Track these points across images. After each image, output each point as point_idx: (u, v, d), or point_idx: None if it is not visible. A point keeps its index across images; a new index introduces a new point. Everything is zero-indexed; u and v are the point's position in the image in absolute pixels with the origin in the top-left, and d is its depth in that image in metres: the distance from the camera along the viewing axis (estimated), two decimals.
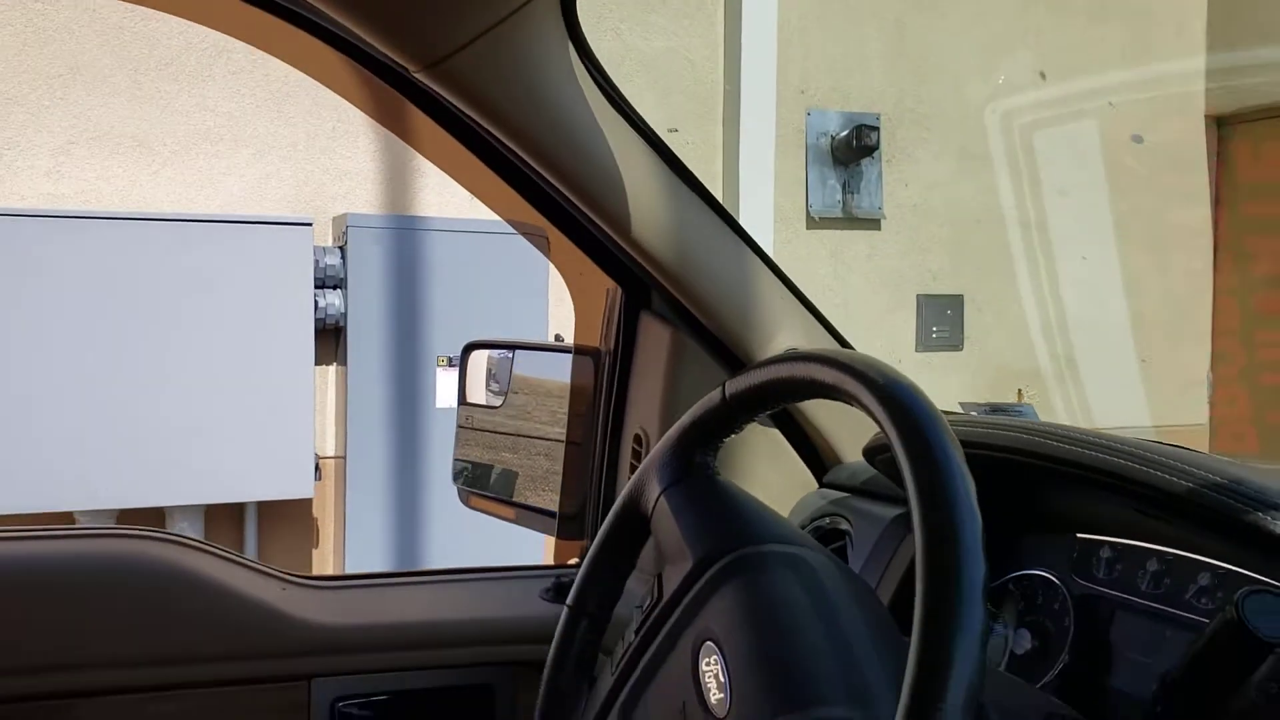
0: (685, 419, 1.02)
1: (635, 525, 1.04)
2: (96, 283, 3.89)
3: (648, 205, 1.21)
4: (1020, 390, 5.57)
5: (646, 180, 1.21)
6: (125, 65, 4.19)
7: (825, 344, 1.34)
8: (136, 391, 3.95)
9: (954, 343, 5.41)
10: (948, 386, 5.39)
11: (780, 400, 0.95)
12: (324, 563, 4.65)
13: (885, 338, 5.26)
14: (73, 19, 4.15)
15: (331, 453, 4.58)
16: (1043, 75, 5.20)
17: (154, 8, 1.23)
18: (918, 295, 5.33)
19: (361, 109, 1.39)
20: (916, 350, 5.34)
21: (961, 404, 4.67)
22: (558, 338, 5.01)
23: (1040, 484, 1.12)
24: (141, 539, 1.32)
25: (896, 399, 0.81)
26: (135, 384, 3.96)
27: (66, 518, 4.06)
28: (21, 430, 3.75)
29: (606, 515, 1.50)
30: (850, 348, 1.35)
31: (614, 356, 1.45)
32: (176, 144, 4.27)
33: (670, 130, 4.86)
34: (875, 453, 1.22)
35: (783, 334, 1.31)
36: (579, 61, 1.13)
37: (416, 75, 1.06)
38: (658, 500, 1.01)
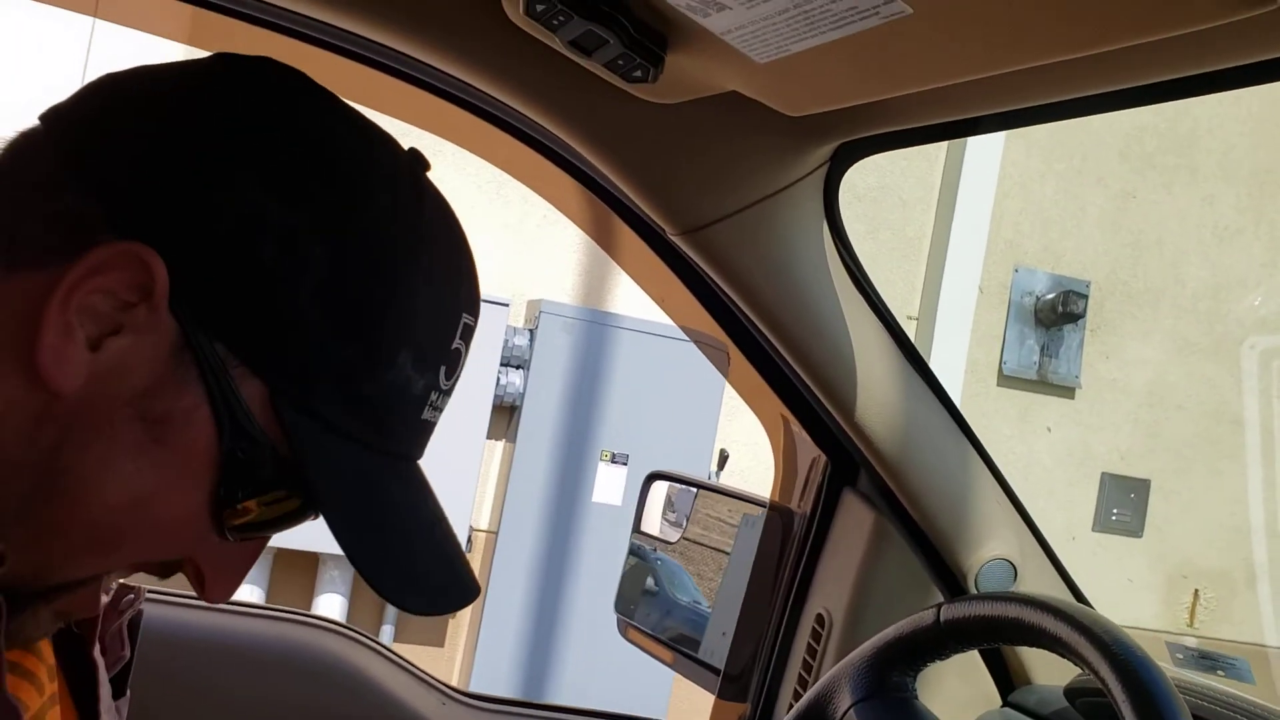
0: (890, 633, 0.97)
1: None
2: None
3: (875, 391, 1.18)
4: (1197, 590, 5.25)
5: (878, 366, 1.18)
6: None
7: (1038, 562, 1.27)
8: None
9: (1134, 528, 5.15)
10: (1122, 572, 5.12)
11: (999, 640, 0.90)
12: (457, 634, 4.68)
13: (1063, 511, 5.04)
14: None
15: (485, 526, 4.63)
16: None
17: (420, 126, 1.27)
18: (1103, 473, 5.11)
19: (583, 229, 1.39)
20: (1093, 529, 5.10)
21: (1168, 644, 4.41)
22: (724, 453, 4.96)
23: None
24: (311, 626, 1.34)
25: (1139, 680, 0.75)
26: None
27: None
28: None
29: (773, 686, 1.45)
30: (1067, 575, 1.28)
31: (808, 525, 1.41)
32: None
33: (909, 318, 4.83)
34: (1078, 694, 1.14)
35: (994, 543, 1.24)
36: (831, 241, 1.12)
37: (673, 238, 1.06)
38: (847, 712, 0.96)
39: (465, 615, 4.68)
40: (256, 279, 0.59)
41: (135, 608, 0.75)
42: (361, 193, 0.62)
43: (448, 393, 0.68)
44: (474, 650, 4.48)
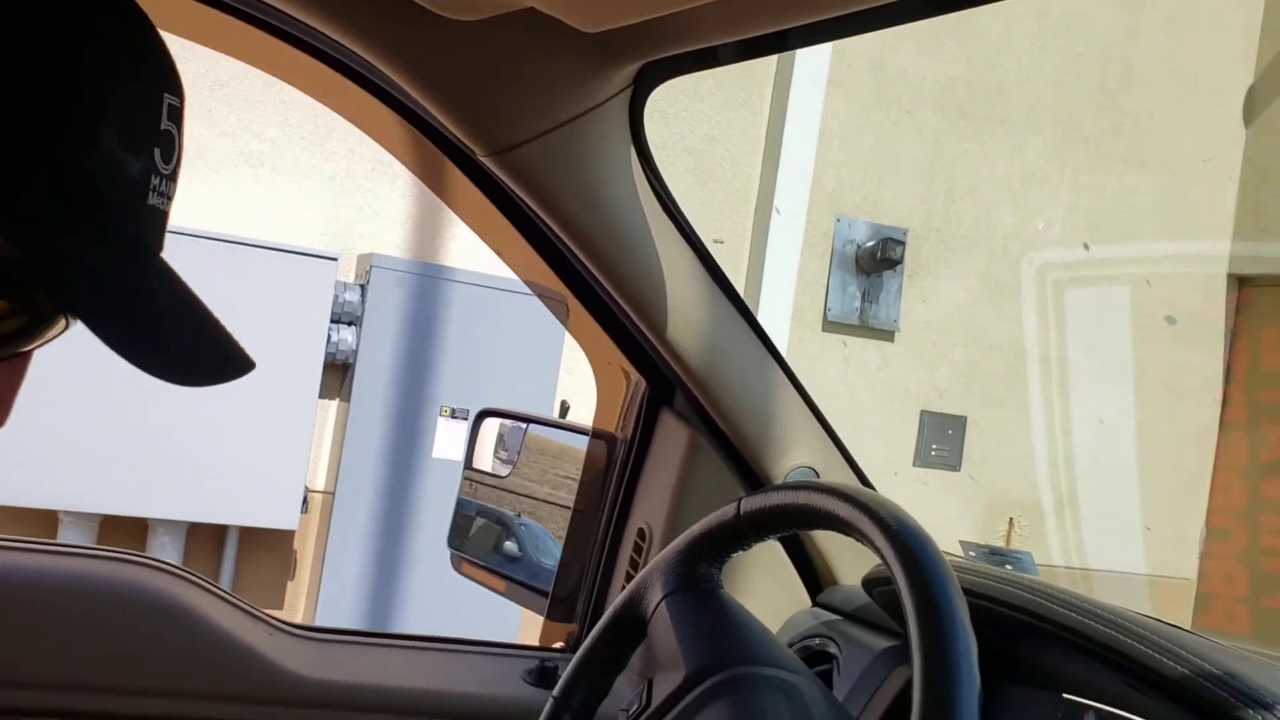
0: (696, 529, 1.03)
1: (632, 626, 1.05)
2: None
3: (685, 310, 1.24)
4: (1012, 519, 5.57)
5: (687, 285, 1.23)
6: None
7: (838, 467, 1.35)
8: (133, 400, 3.94)
9: (952, 463, 5.42)
10: (941, 505, 5.39)
11: (793, 526, 0.97)
12: (297, 596, 4.63)
13: (885, 448, 5.27)
14: None
15: (321, 487, 4.57)
16: (1086, 246, 5.28)
17: (222, 51, 1.26)
18: (922, 411, 5.35)
19: (398, 158, 1.40)
20: (914, 464, 5.35)
21: (961, 542, 4.67)
22: (564, 404, 5.01)
23: (1029, 637, 1.13)
24: (136, 564, 1.33)
25: (909, 548, 0.82)
26: (133, 392, 3.96)
27: (51, 516, 4.05)
28: (16, 426, 3.74)
29: (599, 603, 1.51)
30: (863, 475, 1.37)
31: (629, 447, 1.46)
32: (218, 162, 4.32)
33: (715, 240, 4.92)
34: (874, 584, 1.22)
35: (798, 451, 1.32)
36: (638, 163, 1.16)
37: (482, 159, 1.09)
38: (658, 605, 1.02)
39: (304, 578, 4.62)
40: None
41: None
42: None
43: (171, 178, 0.68)
44: (314, 612, 4.43)
